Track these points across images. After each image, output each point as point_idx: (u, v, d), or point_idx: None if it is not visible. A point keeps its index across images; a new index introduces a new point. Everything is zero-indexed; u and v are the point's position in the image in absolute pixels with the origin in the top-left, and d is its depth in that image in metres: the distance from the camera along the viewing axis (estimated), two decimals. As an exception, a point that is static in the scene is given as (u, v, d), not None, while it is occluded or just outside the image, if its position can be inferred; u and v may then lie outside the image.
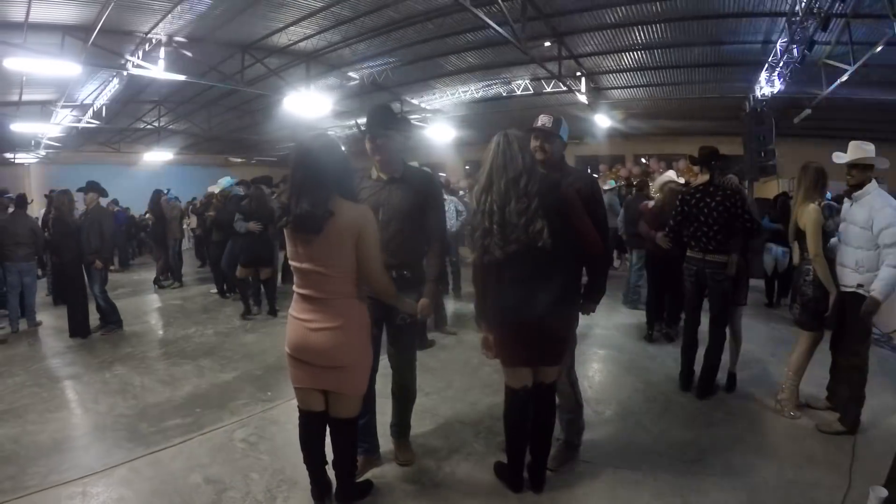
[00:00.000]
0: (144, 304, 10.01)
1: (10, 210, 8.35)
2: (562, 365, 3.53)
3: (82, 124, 16.64)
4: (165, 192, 12.70)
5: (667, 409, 4.92)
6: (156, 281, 11.77)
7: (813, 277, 4.46)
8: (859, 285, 4.21)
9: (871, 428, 4.36)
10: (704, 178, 5.34)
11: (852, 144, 4.41)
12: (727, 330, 5.26)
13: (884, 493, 2.94)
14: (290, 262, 3.01)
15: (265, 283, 8.79)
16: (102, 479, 3.73)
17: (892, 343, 6.73)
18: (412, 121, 17.42)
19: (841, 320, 4.43)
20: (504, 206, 3.10)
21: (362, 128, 3.57)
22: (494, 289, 3.26)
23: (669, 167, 18.78)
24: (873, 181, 4.33)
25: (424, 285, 3.62)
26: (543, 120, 3.70)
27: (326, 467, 3.27)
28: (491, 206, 3.13)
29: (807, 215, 4.43)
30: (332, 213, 2.79)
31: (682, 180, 6.16)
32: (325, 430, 3.21)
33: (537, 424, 3.48)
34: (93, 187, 7.90)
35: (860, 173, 4.31)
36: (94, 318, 7.81)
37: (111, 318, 7.92)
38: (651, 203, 7.61)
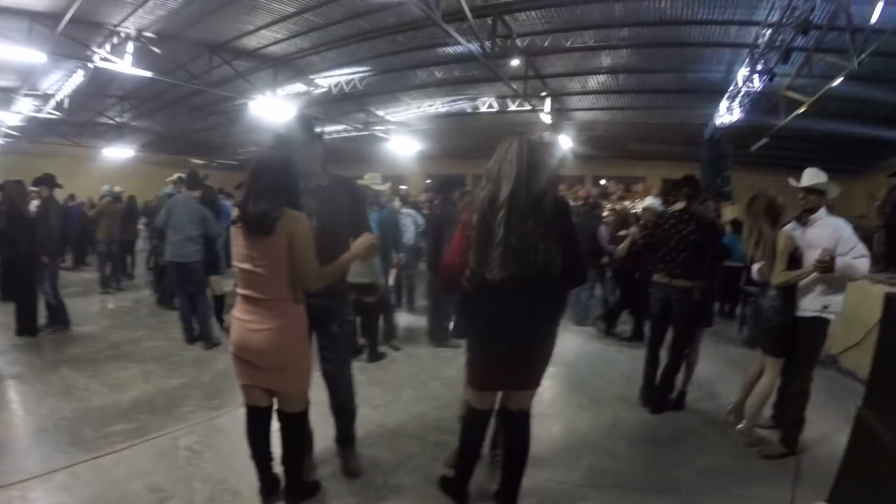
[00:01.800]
0: (94, 304, 9.80)
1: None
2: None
3: (43, 115, 16.32)
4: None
5: (614, 427, 5.02)
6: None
7: (780, 304, 4.52)
8: (825, 307, 4.34)
9: (815, 446, 4.53)
10: (680, 204, 5.46)
11: (808, 171, 4.56)
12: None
13: None
14: (235, 264, 3.10)
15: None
16: (42, 483, 3.64)
17: (838, 365, 7.01)
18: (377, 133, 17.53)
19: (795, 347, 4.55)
20: (523, 224, 2.86)
21: (283, 136, 3.55)
22: (481, 308, 3.06)
23: (628, 190, 19.13)
24: (823, 207, 4.50)
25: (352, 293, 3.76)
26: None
27: (273, 464, 3.39)
28: (508, 222, 2.86)
29: (777, 243, 4.48)
30: (280, 216, 2.93)
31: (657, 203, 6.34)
32: (270, 426, 3.35)
33: (514, 455, 3.34)
34: (45, 180, 7.67)
35: (815, 198, 4.47)
36: (41, 317, 7.62)
37: (59, 317, 7.69)
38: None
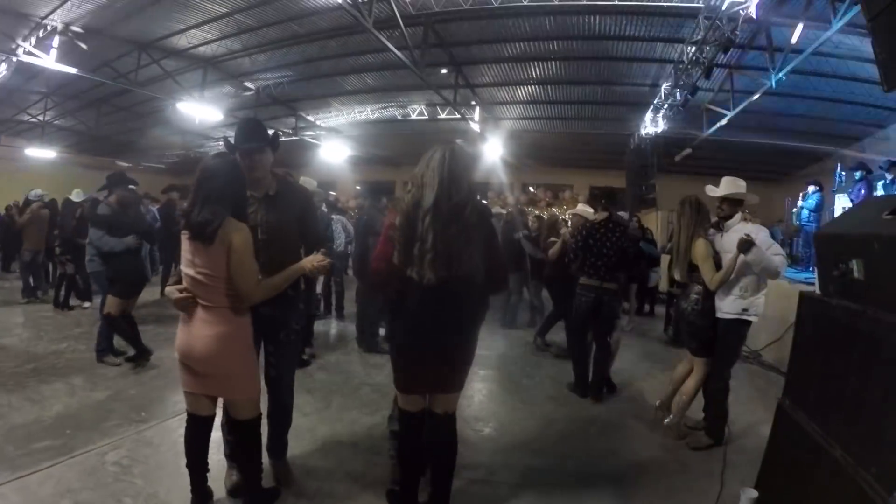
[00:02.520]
0: (14, 315, 9.45)
1: None
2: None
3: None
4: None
5: (545, 426, 5.19)
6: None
7: (701, 307, 4.74)
8: (744, 310, 4.56)
9: (741, 436, 4.82)
10: (603, 215, 5.92)
11: (725, 179, 4.81)
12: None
13: (754, 493, 3.28)
14: (182, 269, 3.12)
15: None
16: (-36, 504, 3.55)
17: (761, 359, 7.46)
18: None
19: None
20: (446, 231, 2.92)
21: (231, 142, 3.50)
22: (406, 310, 3.09)
23: (555, 196, 19.55)
24: (739, 213, 4.78)
25: (304, 303, 3.76)
26: None
27: (208, 476, 3.39)
28: (434, 227, 2.91)
29: (697, 250, 4.69)
30: (220, 225, 2.93)
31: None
32: (209, 435, 3.35)
33: (438, 458, 3.40)
34: None
35: (730, 207, 4.76)
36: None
37: None
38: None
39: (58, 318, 9.37)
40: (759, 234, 4.51)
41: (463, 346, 3.25)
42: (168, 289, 3.14)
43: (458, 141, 3.31)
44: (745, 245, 4.36)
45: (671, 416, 4.97)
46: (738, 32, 8.12)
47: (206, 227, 2.91)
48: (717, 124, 12.20)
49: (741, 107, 10.69)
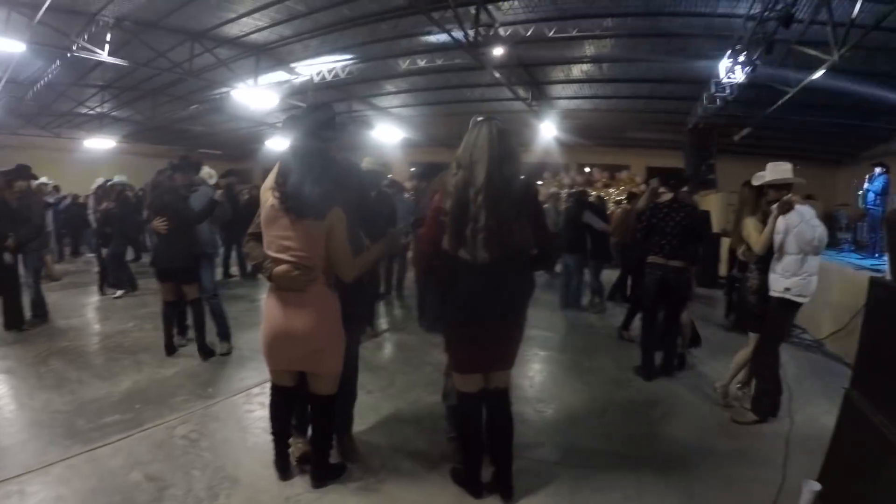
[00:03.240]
0: (83, 296, 9.71)
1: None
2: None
3: (22, 105, 16.06)
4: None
5: (607, 409, 5.11)
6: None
7: (755, 286, 4.87)
8: (787, 289, 4.56)
9: (803, 426, 4.65)
10: (669, 195, 6.06)
11: (769, 165, 4.79)
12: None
13: (816, 486, 3.12)
14: (271, 254, 3.16)
15: (192, 305, 6.39)
16: (39, 477, 3.64)
17: (824, 349, 7.13)
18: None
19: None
20: (497, 207, 2.94)
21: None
22: (459, 290, 3.11)
23: (612, 177, 19.20)
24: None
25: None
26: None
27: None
28: (486, 205, 2.94)
29: (745, 228, 4.88)
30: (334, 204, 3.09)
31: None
32: (293, 405, 3.63)
33: (497, 433, 3.44)
34: (20, 172, 7.52)
35: (776, 192, 4.69)
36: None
37: (38, 310, 7.64)
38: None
39: (123, 299, 9.59)
40: (807, 214, 4.59)
41: (517, 322, 3.29)
42: (279, 269, 3.14)
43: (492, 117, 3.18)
44: (785, 206, 4.51)
45: (719, 382, 5.24)
46: (798, 6, 7.79)
47: (322, 203, 3.04)
48: (778, 102, 11.78)
49: (802, 84, 10.24)
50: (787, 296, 4.56)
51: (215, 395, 5.18)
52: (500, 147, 3.00)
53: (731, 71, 10.30)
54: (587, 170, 20.60)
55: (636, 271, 7.60)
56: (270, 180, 3.18)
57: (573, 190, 11.99)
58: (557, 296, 9.32)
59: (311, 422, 3.61)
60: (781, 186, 4.68)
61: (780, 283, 4.60)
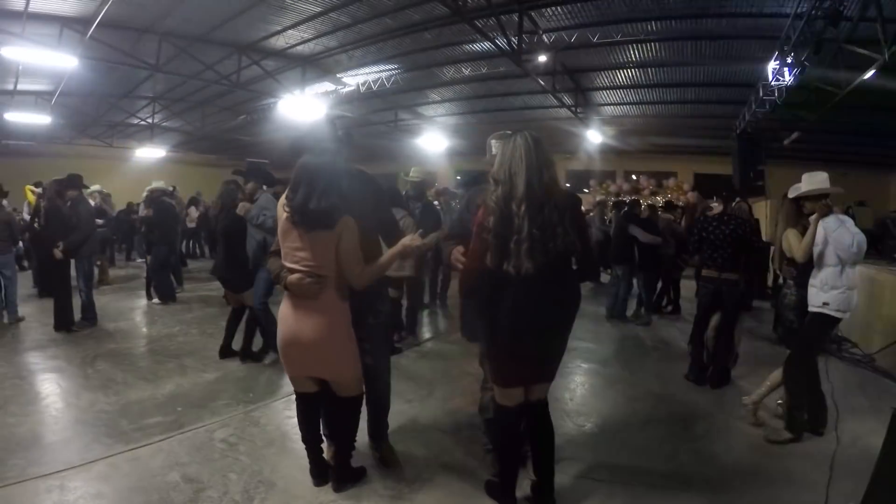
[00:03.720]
0: (131, 301, 9.94)
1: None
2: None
3: (76, 117, 16.59)
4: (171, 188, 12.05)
5: (647, 424, 4.96)
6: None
7: (793, 302, 4.85)
8: (825, 303, 4.41)
9: (850, 446, 4.43)
10: (720, 207, 6.21)
11: (805, 176, 4.70)
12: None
13: None
14: (285, 264, 3.28)
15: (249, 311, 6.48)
16: (81, 473, 3.73)
17: (874, 364, 6.78)
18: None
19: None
20: (539, 215, 2.93)
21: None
22: (503, 306, 3.06)
23: (659, 184, 18.92)
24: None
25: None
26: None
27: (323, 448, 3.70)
28: (528, 214, 2.92)
29: (787, 239, 4.75)
30: (341, 214, 3.18)
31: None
32: (318, 410, 3.63)
33: (541, 444, 3.40)
34: (72, 181, 7.81)
35: (812, 203, 4.58)
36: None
37: (87, 314, 7.87)
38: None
39: (169, 304, 9.75)
40: (842, 216, 4.56)
41: (562, 333, 3.24)
42: (292, 277, 3.22)
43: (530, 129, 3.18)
44: (825, 208, 4.44)
45: (751, 396, 4.99)
46: (846, 3, 7.55)
47: (332, 213, 3.14)
48: (829, 103, 11.40)
49: (852, 85, 9.90)
50: (826, 310, 4.41)
51: (256, 399, 5.24)
52: (536, 156, 3.01)
53: (779, 73, 10.04)
54: (634, 177, 20.33)
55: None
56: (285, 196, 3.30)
57: (625, 199, 11.89)
58: (603, 306, 9.21)
59: (336, 424, 3.67)
60: (818, 197, 4.57)
61: (818, 297, 4.45)
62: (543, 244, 2.92)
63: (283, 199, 3.30)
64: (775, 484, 3.88)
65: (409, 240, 3.40)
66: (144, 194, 11.42)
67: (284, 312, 3.35)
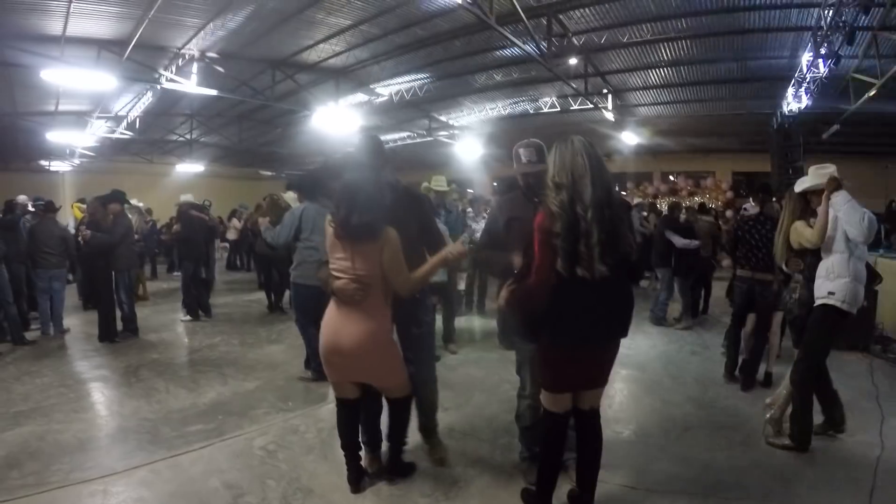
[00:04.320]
0: (173, 313, 10.02)
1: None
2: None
3: (116, 135, 17.04)
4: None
5: (686, 431, 4.84)
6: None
7: (799, 296, 4.75)
8: (830, 293, 4.23)
9: (894, 451, 4.30)
10: (755, 209, 6.32)
11: (811, 169, 4.57)
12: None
13: None
14: (333, 273, 3.42)
15: None
16: (123, 479, 3.83)
17: None
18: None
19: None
20: (604, 219, 2.91)
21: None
22: (569, 310, 3.01)
23: (697, 185, 18.65)
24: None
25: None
26: (528, 156, 3.64)
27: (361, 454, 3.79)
28: (596, 218, 2.90)
29: (796, 231, 4.59)
30: (385, 226, 3.32)
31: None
32: (358, 417, 3.75)
33: (589, 455, 3.33)
34: (115, 196, 8.04)
35: (818, 197, 4.38)
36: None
37: (129, 325, 8.06)
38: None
39: (200, 320, 9.67)
40: (843, 206, 4.21)
41: (622, 335, 3.22)
42: (339, 283, 3.36)
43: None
44: (835, 182, 4.24)
45: (772, 411, 4.65)
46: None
47: (372, 229, 3.28)
48: (865, 95, 11.11)
49: (890, 73, 9.61)
50: (831, 301, 4.20)
51: (295, 408, 5.29)
52: (596, 158, 3.00)
53: (813, 65, 9.85)
54: (672, 178, 20.06)
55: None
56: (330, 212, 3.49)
57: (666, 202, 11.79)
58: (645, 312, 9.07)
59: (388, 420, 3.79)
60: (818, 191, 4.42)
61: (824, 286, 4.29)
62: (612, 247, 2.92)
63: (328, 215, 3.48)
64: (817, 491, 3.77)
65: (453, 247, 3.53)
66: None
67: (329, 320, 3.47)
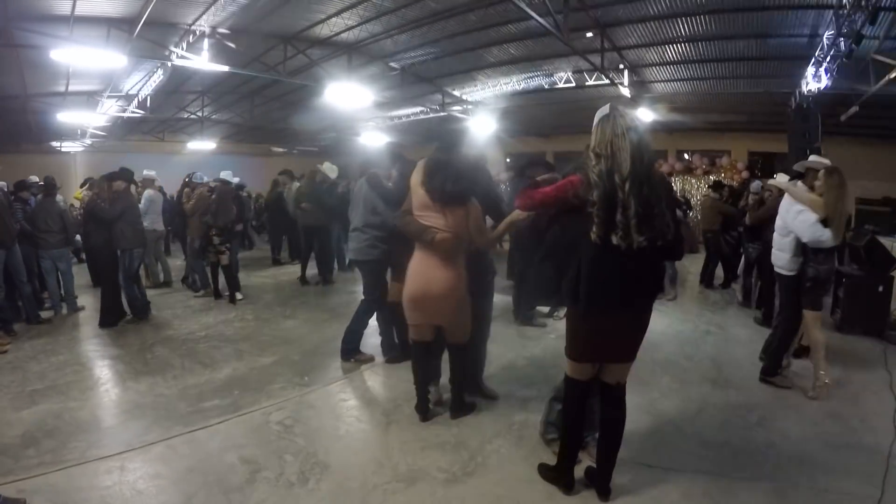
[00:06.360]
0: (187, 289, 10.02)
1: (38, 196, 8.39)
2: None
3: (127, 114, 16.96)
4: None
5: (701, 410, 4.82)
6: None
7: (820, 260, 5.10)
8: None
9: None
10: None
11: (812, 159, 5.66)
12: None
13: None
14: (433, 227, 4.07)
15: None
16: (140, 455, 3.83)
17: None
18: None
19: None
20: (641, 193, 2.94)
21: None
22: (599, 277, 3.04)
23: (712, 163, 18.43)
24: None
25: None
26: None
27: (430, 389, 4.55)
28: (633, 192, 2.93)
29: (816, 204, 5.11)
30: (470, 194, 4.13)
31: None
32: (431, 356, 4.51)
33: (612, 429, 3.36)
34: (121, 174, 7.87)
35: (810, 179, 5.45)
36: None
37: (132, 308, 7.74)
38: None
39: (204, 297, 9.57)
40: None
41: (649, 311, 3.27)
42: (441, 236, 4.02)
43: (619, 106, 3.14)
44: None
45: (817, 380, 5.04)
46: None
47: (463, 195, 4.07)
48: (886, 77, 10.84)
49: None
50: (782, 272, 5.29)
51: (311, 383, 5.30)
52: (637, 133, 3.03)
53: (834, 44, 9.62)
54: (686, 156, 19.80)
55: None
56: (417, 177, 4.14)
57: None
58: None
59: (450, 366, 4.43)
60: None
61: (794, 262, 5.20)
62: (648, 222, 2.94)
63: (416, 180, 4.14)
64: (831, 474, 3.73)
65: (517, 214, 3.94)
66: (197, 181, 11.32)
67: (415, 270, 4.17)
